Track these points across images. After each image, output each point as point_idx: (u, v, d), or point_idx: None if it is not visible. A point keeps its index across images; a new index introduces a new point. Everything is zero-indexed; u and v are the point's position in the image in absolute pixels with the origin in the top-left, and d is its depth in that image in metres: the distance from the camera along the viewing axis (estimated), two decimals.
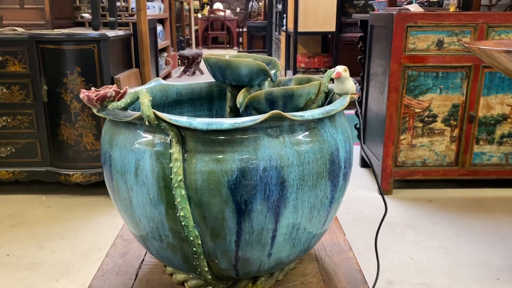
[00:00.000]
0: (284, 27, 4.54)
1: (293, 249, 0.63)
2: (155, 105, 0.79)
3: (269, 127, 0.57)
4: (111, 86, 0.59)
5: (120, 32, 2.23)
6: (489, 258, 1.66)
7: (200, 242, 0.59)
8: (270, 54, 7.15)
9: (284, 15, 4.58)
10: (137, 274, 0.73)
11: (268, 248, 0.61)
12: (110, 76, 2.04)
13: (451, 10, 2.31)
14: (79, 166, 2.10)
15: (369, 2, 3.24)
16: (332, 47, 4.02)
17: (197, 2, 10.55)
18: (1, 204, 2.11)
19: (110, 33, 2.10)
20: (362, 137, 1.17)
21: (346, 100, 0.64)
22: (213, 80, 0.81)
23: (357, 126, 2.64)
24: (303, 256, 0.74)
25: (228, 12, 10.26)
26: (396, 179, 2.21)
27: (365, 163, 2.56)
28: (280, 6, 5.25)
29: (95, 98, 0.56)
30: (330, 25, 3.86)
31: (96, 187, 2.21)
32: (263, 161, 0.56)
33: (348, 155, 0.64)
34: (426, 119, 2.10)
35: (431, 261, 1.65)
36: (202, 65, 6.32)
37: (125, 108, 0.59)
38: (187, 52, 6.14)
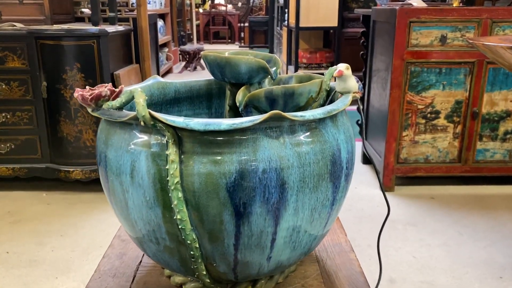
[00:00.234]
0: (286, 22, 4.51)
1: (293, 252, 0.62)
2: (153, 103, 0.78)
3: (268, 128, 0.55)
4: (106, 84, 0.57)
5: (120, 28, 2.21)
6: (491, 256, 1.64)
7: (197, 246, 0.57)
8: (271, 49, 7.12)
9: (286, 10, 4.55)
10: (134, 276, 0.72)
11: (267, 252, 0.59)
12: (110, 72, 2.03)
13: (454, 5, 2.28)
14: (79, 163, 2.08)
15: None
16: (334, 42, 3.99)
17: None
18: (1, 200, 2.10)
19: (110, 28, 2.08)
20: (364, 134, 1.16)
21: (348, 99, 0.62)
22: (212, 77, 0.79)
23: (359, 122, 2.62)
24: (304, 258, 0.72)
25: (229, 6, 10.21)
26: (398, 176, 2.19)
27: (367, 160, 2.54)
28: (281, 1, 5.22)
29: (90, 97, 0.55)
30: (332, 20, 3.83)
31: (96, 184, 2.20)
32: (262, 162, 0.54)
33: (350, 156, 0.63)
34: (428, 115, 2.08)
35: (433, 259, 1.63)
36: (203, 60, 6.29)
37: (120, 108, 0.57)
38: (188, 47, 6.12)
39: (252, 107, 0.70)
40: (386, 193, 1.87)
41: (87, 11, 2.70)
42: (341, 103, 0.60)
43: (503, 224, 1.86)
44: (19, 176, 2.12)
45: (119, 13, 2.49)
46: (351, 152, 0.63)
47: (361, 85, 0.66)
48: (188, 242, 0.56)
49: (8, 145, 2.09)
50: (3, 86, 2.01)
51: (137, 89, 0.52)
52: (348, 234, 1.78)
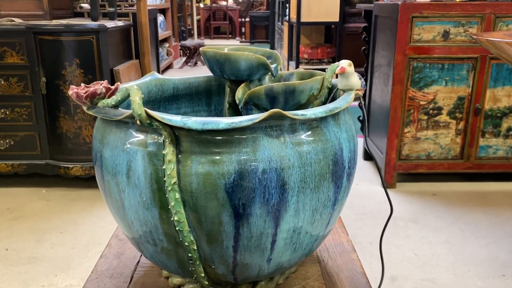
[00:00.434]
0: (287, 17, 4.48)
1: (294, 253, 0.60)
2: (151, 100, 0.76)
3: (268, 127, 0.54)
4: (102, 82, 0.55)
5: (119, 23, 2.19)
6: (494, 253, 1.63)
7: (195, 248, 0.56)
8: (272, 45, 7.09)
9: (287, 5, 4.52)
10: (132, 277, 0.70)
11: (267, 253, 0.58)
12: (109, 67, 2.01)
13: (457, 0, 2.25)
14: (79, 159, 2.07)
15: None
16: (336, 37, 3.96)
17: None
18: (0, 197, 2.09)
19: (109, 24, 2.06)
20: (366, 129, 1.14)
21: (350, 97, 0.61)
22: (211, 74, 0.78)
23: (360, 118, 2.60)
24: (305, 258, 0.71)
25: (230, 1, 10.16)
26: (400, 173, 2.17)
27: (368, 156, 2.53)
28: None
29: (84, 95, 0.53)
30: (333, 15, 3.80)
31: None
32: (262, 162, 0.53)
33: (353, 155, 0.61)
34: (431, 111, 2.06)
35: (435, 257, 1.62)
36: None
37: (116, 106, 0.56)
38: (188, 42, 6.09)
39: (252, 104, 0.68)
40: (388, 190, 1.86)
41: (86, 6, 2.68)
42: (344, 101, 0.58)
43: (505, 221, 1.85)
44: (19, 173, 2.11)
45: (118, 8, 2.47)
46: (353, 151, 0.61)
47: (364, 82, 0.65)
48: (186, 244, 0.55)
49: (7, 141, 2.07)
50: (2, 82, 1.99)
51: (133, 87, 0.51)
52: (349, 231, 1.76)
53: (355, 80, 0.63)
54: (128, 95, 0.51)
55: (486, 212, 1.92)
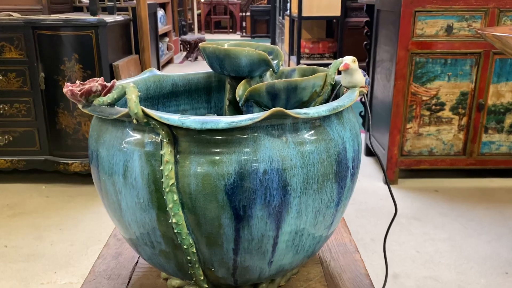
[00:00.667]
0: (288, 11, 4.45)
1: (296, 256, 0.59)
2: (149, 97, 0.74)
3: (270, 126, 0.52)
4: (98, 79, 0.53)
5: (119, 18, 2.17)
6: (497, 251, 1.62)
7: (194, 251, 0.54)
8: (273, 39, 7.05)
9: None
10: (130, 278, 0.69)
11: (269, 256, 0.56)
12: (108, 63, 1.99)
13: None
14: (78, 155, 2.06)
15: None
16: (337, 32, 3.94)
17: None
18: (0, 193, 2.08)
19: (109, 18, 2.04)
20: (369, 126, 1.12)
21: (354, 95, 0.59)
22: (211, 70, 0.76)
23: (362, 113, 2.58)
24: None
25: None
26: (402, 169, 2.16)
27: (370, 152, 2.51)
28: None
29: (79, 92, 0.51)
30: (335, 10, 3.77)
31: None
32: (263, 163, 0.51)
33: (356, 154, 0.59)
34: (433, 107, 2.04)
35: (438, 254, 1.61)
36: None
37: (112, 104, 0.54)
38: (189, 37, 6.06)
39: (253, 102, 0.66)
40: (390, 187, 1.84)
41: (85, 0, 2.66)
42: (347, 99, 0.57)
43: (508, 218, 1.83)
44: (18, 169, 2.10)
45: (118, 2, 2.45)
46: (357, 150, 0.59)
47: (368, 79, 0.63)
48: (185, 247, 0.53)
49: (6, 137, 2.06)
50: (0, 78, 1.97)
51: (129, 85, 0.49)
52: (350, 228, 1.75)
53: (359, 77, 0.61)
54: (125, 93, 0.49)
55: (488, 209, 1.91)
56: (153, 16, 2.86)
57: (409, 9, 1.91)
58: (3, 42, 1.93)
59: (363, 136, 2.57)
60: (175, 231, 0.52)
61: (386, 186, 2.13)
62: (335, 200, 0.57)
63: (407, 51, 1.96)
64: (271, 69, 0.69)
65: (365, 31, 2.46)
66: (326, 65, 3.89)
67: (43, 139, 2.06)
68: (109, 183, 0.55)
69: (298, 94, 0.64)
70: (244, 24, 9.64)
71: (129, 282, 0.68)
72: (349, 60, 0.60)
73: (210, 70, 0.79)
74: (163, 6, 5.38)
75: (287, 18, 4.61)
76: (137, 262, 0.72)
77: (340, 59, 0.66)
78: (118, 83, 0.66)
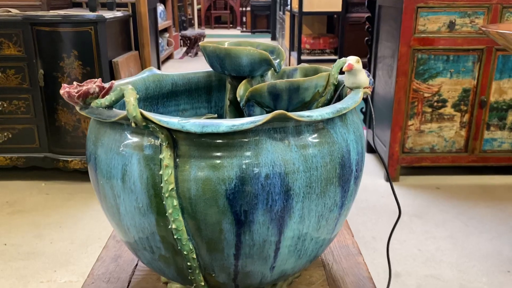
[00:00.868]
0: (289, 6, 4.42)
1: (298, 260, 0.58)
2: (149, 97, 0.73)
3: (272, 129, 0.50)
4: (95, 80, 0.52)
5: (118, 13, 2.15)
6: (498, 249, 1.61)
7: (195, 256, 0.53)
8: (274, 35, 7.02)
9: None
10: (129, 282, 0.68)
11: (271, 261, 0.55)
12: (108, 59, 1.98)
13: None
14: (78, 152, 2.05)
15: None
16: (338, 27, 3.91)
17: None
18: None
19: (108, 14, 2.02)
20: (372, 123, 1.10)
21: (359, 96, 0.57)
22: (211, 69, 0.74)
23: (363, 110, 2.57)
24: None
25: None
26: (403, 166, 2.15)
27: (371, 149, 2.50)
28: None
29: (76, 94, 0.50)
30: (336, 5, 3.75)
31: None
32: (265, 167, 0.49)
33: (360, 157, 0.58)
34: (435, 104, 2.03)
35: (439, 252, 1.60)
36: None
37: (110, 106, 0.52)
38: (189, 32, 6.03)
39: (254, 102, 0.65)
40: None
41: None
42: (351, 101, 0.55)
43: (509, 216, 1.82)
44: (17, 166, 2.09)
45: None
46: (361, 153, 0.58)
47: (372, 80, 0.61)
48: (185, 252, 0.52)
49: (5, 134, 2.05)
50: None
51: (127, 87, 0.48)
52: (352, 226, 1.74)
53: (363, 78, 0.60)
54: (123, 95, 0.48)
55: (490, 206, 1.90)
56: (153, 11, 2.84)
57: (411, 5, 1.89)
58: (2, 39, 1.91)
59: (364, 132, 2.56)
60: (175, 236, 0.51)
61: (387, 184, 2.12)
62: (338, 204, 0.56)
63: (409, 48, 1.94)
64: (272, 68, 0.68)
65: (366, 26, 2.44)
66: (327, 60, 3.86)
67: (42, 136, 2.05)
68: (108, 187, 0.54)
69: (301, 94, 0.63)
70: (244, 19, 9.60)
71: (128, 285, 0.67)
72: (352, 60, 0.59)
73: (210, 69, 0.78)
74: (163, 1, 5.35)
75: (287, 13, 4.58)
76: (136, 264, 0.71)
77: (343, 58, 0.64)
78: (116, 83, 0.65)
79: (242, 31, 9.22)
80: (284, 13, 5.14)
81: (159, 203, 0.51)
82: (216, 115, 0.71)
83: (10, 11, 2.02)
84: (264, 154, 0.49)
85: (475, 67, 1.97)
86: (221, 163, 0.49)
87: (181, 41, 6.36)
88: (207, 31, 8.36)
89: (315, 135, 0.53)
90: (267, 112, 0.68)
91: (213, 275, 0.56)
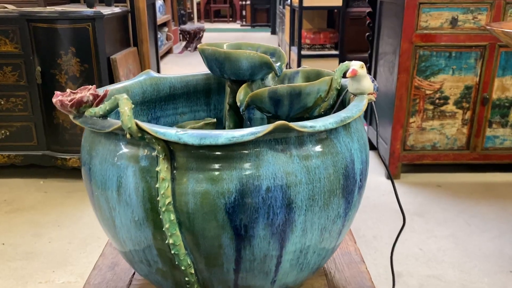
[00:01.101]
0: (289, 1, 4.38)
1: (300, 273, 0.56)
2: (146, 101, 0.71)
3: (273, 140, 0.48)
4: (90, 87, 0.50)
5: (116, 9, 2.12)
6: (500, 248, 1.59)
7: (193, 271, 0.51)
8: (273, 29, 6.98)
9: None
10: None
11: (271, 275, 0.53)
12: (106, 56, 1.95)
13: None
14: (76, 150, 2.02)
15: None
16: (339, 22, 3.87)
17: None
18: None
19: (106, 10, 1.99)
20: (377, 125, 1.09)
21: (363, 103, 0.55)
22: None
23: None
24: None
25: None
26: (404, 163, 2.13)
27: (372, 146, 2.48)
28: None
29: (70, 103, 0.48)
30: None
31: None
32: (266, 179, 0.47)
33: (364, 166, 0.56)
34: (437, 101, 2.00)
35: (441, 252, 1.58)
36: (204, 41, 6.17)
37: (104, 116, 0.50)
38: (188, 26, 5.99)
39: (255, 107, 0.63)
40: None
41: None
42: (356, 109, 0.53)
43: (511, 215, 1.81)
44: (15, 164, 2.07)
45: None
46: (365, 161, 0.56)
47: (377, 85, 0.59)
48: (183, 268, 0.50)
49: (2, 132, 2.03)
50: None
51: (122, 96, 0.46)
52: (352, 224, 1.72)
53: (368, 83, 0.58)
54: (117, 105, 0.46)
55: (492, 205, 1.88)
56: (151, 6, 2.81)
57: (413, 1, 1.87)
58: None
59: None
60: (172, 252, 0.49)
61: (388, 181, 2.10)
62: (342, 215, 0.54)
63: (411, 44, 1.92)
64: (273, 71, 0.66)
65: (367, 22, 2.41)
66: (328, 56, 3.83)
67: (40, 133, 2.03)
68: (102, 199, 0.52)
69: (302, 99, 0.61)
70: (244, 13, 9.54)
71: None
72: (356, 66, 0.57)
73: (208, 71, 0.76)
74: None
75: (287, 8, 4.54)
76: (134, 273, 0.70)
77: (347, 62, 0.62)
78: (112, 87, 0.63)
79: (241, 25, 9.17)
80: (284, 7, 5.10)
81: (156, 217, 0.49)
82: (215, 120, 0.69)
83: (7, 7, 1.99)
84: (265, 166, 0.47)
85: (478, 64, 1.95)
86: (220, 176, 0.47)
87: (180, 35, 6.32)
88: (207, 25, 8.31)
89: (318, 145, 0.51)
90: (268, 117, 0.66)
91: None
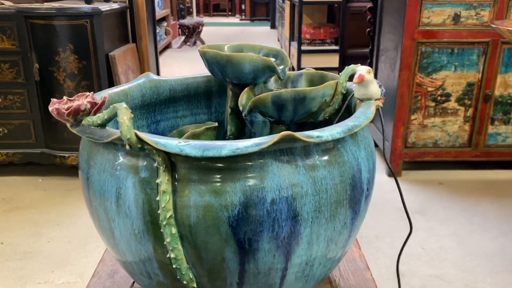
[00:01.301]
0: None
1: (305, 285, 0.54)
2: (145, 104, 0.69)
3: (278, 150, 0.47)
4: (87, 94, 0.48)
5: (114, 5, 2.09)
6: (503, 247, 1.58)
7: (195, 285, 0.50)
8: (273, 23, 6.94)
9: None
10: None
11: None
12: (104, 53, 1.93)
13: None
14: (75, 148, 2.01)
15: None
16: (339, 17, 3.84)
17: None
18: None
19: (104, 6, 1.97)
20: (382, 122, 1.07)
21: (371, 111, 0.53)
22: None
23: None
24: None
25: None
26: (406, 161, 2.11)
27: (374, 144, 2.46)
28: None
29: (66, 112, 0.46)
30: None
31: None
32: (271, 191, 0.46)
33: (372, 175, 0.54)
34: (439, 98, 1.99)
35: (443, 251, 1.57)
36: (204, 35, 6.13)
37: (103, 125, 0.48)
38: (187, 21, 5.95)
39: (257, 112, 0.61)
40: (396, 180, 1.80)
41: None
42: (363, 116, 0.51)
43: None
44: (14, 162, 2.05)
45: None
46: (372, 170, 0.54)
47: (384, 90, 0.57)
48: (185, 282, 0.49)
49: (1, 129, 2.01)
50: None
51: (121, 105, 0.44)
52: None
53: (375, 89, 0.56)
54: (116, 114, 0.44)
55: (494, 203, 1.87)
56: (150, 1, 2.78)
57: None
58: None
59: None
60: (174, 266, 0.48)
61: (391, 179, 2.09)
62: (348, 226, 0.52)
63: (412, 40, 1.90)
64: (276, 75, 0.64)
65: (368, 17, 2.38)
66: (328, 51, 3.80)
67: (38, 131, 2.01)
68: (101, 210, 0.50)
69: (307, 104, 0.59)
70: (243, 7, 9.48)
71: None
72: (363, 71, 0.55)
73: (209, 74, 0.74)
74: None
75: (287, 3, 4.51)
76: (133, 282, 0.68)
77: (352, 66, 0.60)
78: (111, 91, 0.61)
79: (241, 19, 9.12)
80: (283, 2, 5.06)
81: (157, 229, 0.47)
82: (216, 124, 0.67)
83: (4, 4, 1.96)
84: (269, 177, 0.46)
85: (480, 61, 1.93)
86: (223, 188, 0.45)
87: (179, 30, 6.28)
88: (206, 19, 8.26)
89: (325, 155, 0.49)
90: (271, 122, 0.64)
91: None
